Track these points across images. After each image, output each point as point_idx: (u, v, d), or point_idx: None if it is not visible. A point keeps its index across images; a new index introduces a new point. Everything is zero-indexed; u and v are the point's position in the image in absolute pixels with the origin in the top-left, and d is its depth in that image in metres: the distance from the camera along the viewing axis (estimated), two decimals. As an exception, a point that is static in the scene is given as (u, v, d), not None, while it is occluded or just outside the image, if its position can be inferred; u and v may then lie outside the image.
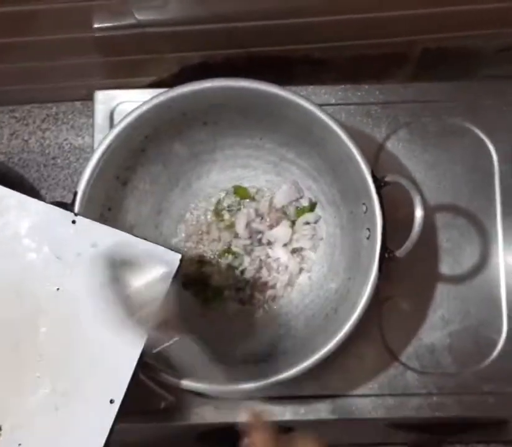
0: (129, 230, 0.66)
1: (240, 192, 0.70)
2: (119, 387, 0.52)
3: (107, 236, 0.54)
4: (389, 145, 0.70)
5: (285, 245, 0.69)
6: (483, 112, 0.70)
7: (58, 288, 0.54)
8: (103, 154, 0.58)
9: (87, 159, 0.58)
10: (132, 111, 0.59)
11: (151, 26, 0.65)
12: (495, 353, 0.66)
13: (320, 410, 0.64)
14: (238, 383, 0.57)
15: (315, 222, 0.69)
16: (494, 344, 0.66)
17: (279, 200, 0.70)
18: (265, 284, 0.68)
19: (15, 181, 0.84)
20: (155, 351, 0.54)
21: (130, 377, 0.52)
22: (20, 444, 0.51)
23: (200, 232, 0.70)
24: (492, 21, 0.68)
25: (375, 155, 0.70)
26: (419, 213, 0.54)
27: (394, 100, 0.71)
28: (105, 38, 0.67)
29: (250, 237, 0.69)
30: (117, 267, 0.52)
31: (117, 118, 0.69)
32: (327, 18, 0.65)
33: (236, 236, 0.69)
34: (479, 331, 0.66)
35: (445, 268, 0.68)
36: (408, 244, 0.55)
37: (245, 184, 0.71)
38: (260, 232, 0.69)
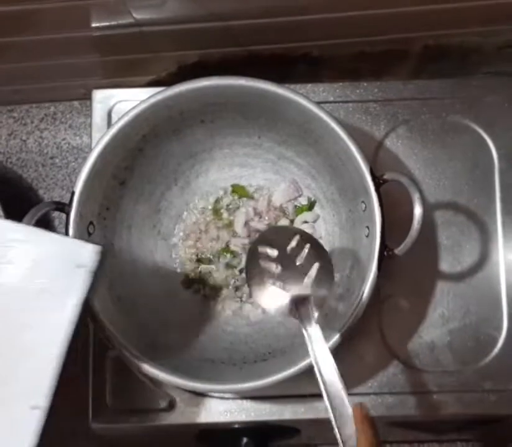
0: (127, 229, 0.66)
1: (239, 191, 0.70)
2: (42, 392, 0.46)
3: (16, 233, 0.50)
4: (388, 143, 0.70)
5: (284, 244, 0.69)
6: (483, 109, 0.70)
7: None
8: (100, 153, 0.58)
9: (85, 159, 0.58)
10: (129, 110, 0.59)
11: (149, 25, 0.65)
12: (495, 351, 0.66)
13: (320, 409, 0.64)
14: (237, 383, 0.57)
15: (314, 221, 0.69)
16: (494, 341, 0.66)
17: (278, 198, 0.70)
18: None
19: (14, 181, 0.84)
20: None
21: (54, 379, 0.47)
22: None
23: (198, 231, 0.70)
24: (492, 18, 0.68)
25: (374, 153, 0.69)
26: (418, 210, 0.54)
27: (393, 98, 0.71)
28: (103, 37, 0.67)
29: (249, 236, 0.69)
30: (28, 265, 0.49)
31: (115, 118, 0.69)
32: (325, 15, 0.65)
33: (234, 235, 0.69)
34: (479, 329, 0.66)
35: (445, 266, 0.68)
36: (407, 242, 0.55)
37: (244, 183, 0.71)
38: (258, 231, 0.69)
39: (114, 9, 0.62)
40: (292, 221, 0.69)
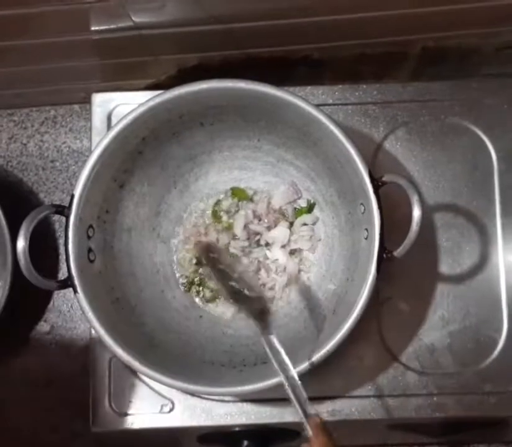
0: (127, 231, 0.66)
1: (238, 194, 0.70)
2: None
3: None
4: (388, 145, 0.70)
5: (283, 246, 0.69)
6: (483, 111, 0.70)
7: None
8: (100, 156, 0.58)
9: (85, 162, 0.58)
10: (129, 113, 0.59)
11: (149, 28, 0.65)
12: (495, 353, 0.66)
13: (320, 412, 0.64)
14: (237, 385, 0.56)
15: (314, 223, 0.69)
16: (494, 343, 0.66)
17: (277, 201, 0.70)
18: (264, 285, 0.68)
19: (14, 185, 0.84)
20: None
21: None
22: None
23: (198, 234, 0.70)
24: (491, 19, 0.68)
25: (373, 155, 0.69)
26: (417, 212, 0.54)
27: (393, 100, 0.71)
28: (103, 40, 0.67)
29: (248, 238, 0.69)
30: None
31: (114, 121, 0.68)
32: (325, 18, 0.65)
33: (234, 237, 0.69)
34: (479, 331, 0.66)
35: (444, 268, 0.68)
36: (406, 244, 0.55)
37: (243, 186, 0.71)
38: (258, 233, 0.69)
39: (113, 13, 0.62)
40: (291, 223, 0.69)
